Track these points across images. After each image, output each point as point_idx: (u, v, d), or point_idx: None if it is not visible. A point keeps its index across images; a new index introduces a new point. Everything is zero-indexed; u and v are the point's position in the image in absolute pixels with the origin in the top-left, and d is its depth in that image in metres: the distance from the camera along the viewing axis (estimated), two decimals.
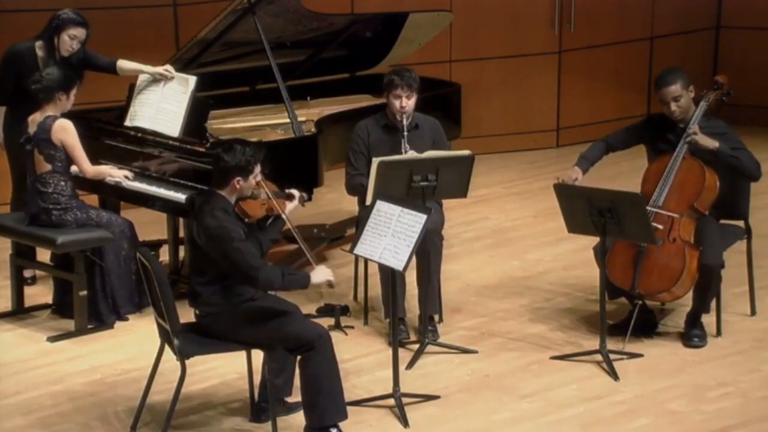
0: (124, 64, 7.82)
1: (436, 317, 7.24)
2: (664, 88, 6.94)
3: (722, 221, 7.13)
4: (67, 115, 7.28)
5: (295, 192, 6.29)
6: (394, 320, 6.47)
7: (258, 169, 5.95)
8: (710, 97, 7.04)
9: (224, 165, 5.86)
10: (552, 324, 7.34)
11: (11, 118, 7.78)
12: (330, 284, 6.04)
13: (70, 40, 7.63)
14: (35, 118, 7.25)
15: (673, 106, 6.94)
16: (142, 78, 7.78)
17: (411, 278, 7.12)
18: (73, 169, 7.33)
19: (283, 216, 6.15)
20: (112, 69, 7.83)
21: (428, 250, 6.94)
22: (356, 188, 7.21)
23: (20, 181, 7.78)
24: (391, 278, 6.40)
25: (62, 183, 7.25)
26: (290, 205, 6.22)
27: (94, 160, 7.45)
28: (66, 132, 7.18)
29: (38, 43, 7.68)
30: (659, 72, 7.14)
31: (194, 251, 5.96)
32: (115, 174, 7.42)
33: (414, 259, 6.34)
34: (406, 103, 7.11)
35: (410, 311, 7.28)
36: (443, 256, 7.26)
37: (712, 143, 6.85)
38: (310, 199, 7.28)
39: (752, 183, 7.11)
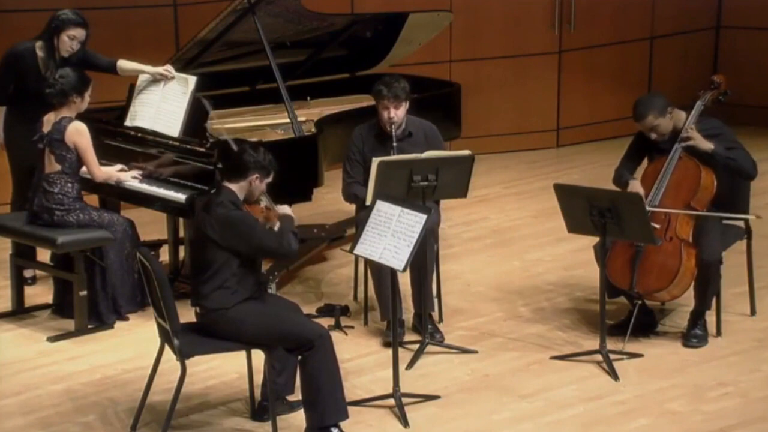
0: (125, 64, 7.83)
1: (435, 316, 7.22)
2: (640, 122, 6.96)
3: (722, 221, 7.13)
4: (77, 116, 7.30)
5: (287, 208, 6.31)
6: (394, 320, 6.47)
7: (271, 177, 6.02)
8: (707, 97, 7.05)
9: (249, 158, 5.95)
10: (552, 324, 7.33)
11: (12, 118, 7.78)
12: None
13: (70, 40, 7.63)
14: (50, 118, 7.26)
15: (653, 135, 6.96)
16: (142, 78, 7.79)
17: (406, 278, 7.11)
18: (84, 170, 7.34)
19: (277, 226, 6.16)
20: (112, 69, 7.83)
21: (423, 250, 6.93)
22: (351, 198, 7.21)
23: (21, 181, 7.78)
24: (392, 278, 6.40)
25: (69, 185, 7.25)
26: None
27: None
28: (80, 135, 7.19)
29: (38, 44, 7.68)
30: (635, 100, 7.10)
31: (199, 247, 5.97)
32: (124, 178, 7.43)
33: None
34: (394, 113, 7.06)
35: (410, 311, 7.27)
36: (443, 256, 7.27)
37: (707, 145, 6.86)
38: None
39: (752, 183, 7.12)
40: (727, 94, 7.12)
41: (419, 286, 7.02)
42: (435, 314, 7.24)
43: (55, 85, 7.22)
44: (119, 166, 7.49)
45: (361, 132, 7.27)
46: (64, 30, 7.61)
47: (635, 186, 6.94)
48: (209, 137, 7.46)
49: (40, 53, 7.67)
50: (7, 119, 7.81)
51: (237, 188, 5.96)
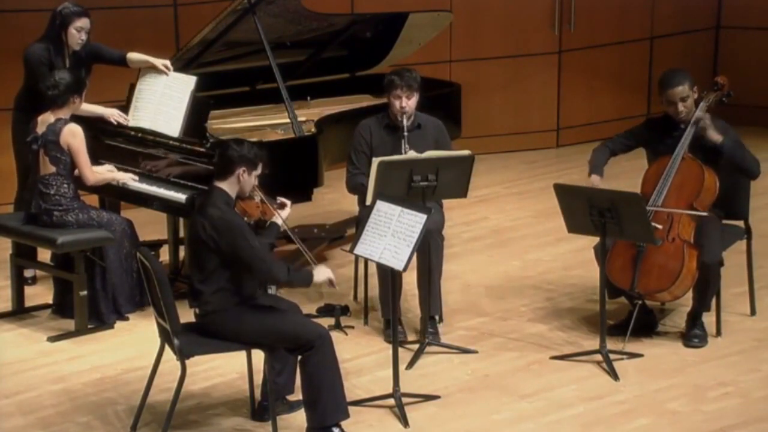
0: (133, 56, 7.83)
1: (437, 317, 7.22)
2: (673, 89, 6.94)
3: (723, 221, 7.14)
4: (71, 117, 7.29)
5: (287, 201, 6.30)
6: (394, 320, 6.47)
7: (260, 168, 5.99)
8: (710, 98, 7.05)
9: (233, 153, 5.92)
10: (552, 324, 7.34)
11: (21, 116, 7.74)
12: (331, 283, 6.06)
13: (78, 32, 7.62)
14: (45, 119, 7.25)
15: (681, 107, 6.95)
16: (142, 78, 7.78)
17: (411, 278, 7.12)
18: (77, 171, 7.33)
19: (280, 220, 6.15)
20: (123, 62, 7.83)
21: (429, 250, 6.94)
22: (356, 188, 7.21)
23: (25, 180, 7.76)
24: (391, 278, 6.40)
25: (65, 185, 7.25)
26: (284, 213, 6.23)
27: (94, 160, 7.45)
28: (75, 137, 7.18)
29: (45, 45, 7.65)
30: (661, 73, 7.13)
31: (195, 250, 5.96)
32: (119, 177, 7.42)
33: (415, 259, 6.33)
34: (406, 103, 7.10)
35: (411, 311, 7.28)
36: (443, 256, 7.25)
37: (717, 136, 6.86)
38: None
39: (752, 183, 7.13)
40: (730, 95, 7.13)
41: (426, 288, 7.00)
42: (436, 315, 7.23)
43: (58, 85, 7.19)
44: (108, 166, 7.48)
45: (369, 125, 7.28)
46: (70, 23, 7.60)
47: (594, 181, 6.98)
48: (209, 137, 7.45)
49: (50, 53, 7.64)
50: (17, 118, 7.80)
51: (227, 186, 5.94)
